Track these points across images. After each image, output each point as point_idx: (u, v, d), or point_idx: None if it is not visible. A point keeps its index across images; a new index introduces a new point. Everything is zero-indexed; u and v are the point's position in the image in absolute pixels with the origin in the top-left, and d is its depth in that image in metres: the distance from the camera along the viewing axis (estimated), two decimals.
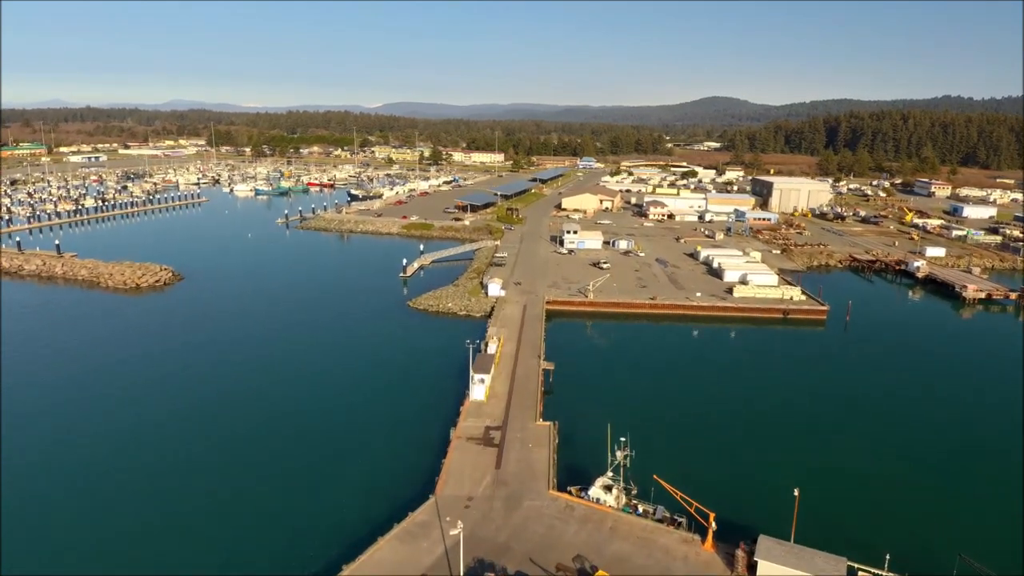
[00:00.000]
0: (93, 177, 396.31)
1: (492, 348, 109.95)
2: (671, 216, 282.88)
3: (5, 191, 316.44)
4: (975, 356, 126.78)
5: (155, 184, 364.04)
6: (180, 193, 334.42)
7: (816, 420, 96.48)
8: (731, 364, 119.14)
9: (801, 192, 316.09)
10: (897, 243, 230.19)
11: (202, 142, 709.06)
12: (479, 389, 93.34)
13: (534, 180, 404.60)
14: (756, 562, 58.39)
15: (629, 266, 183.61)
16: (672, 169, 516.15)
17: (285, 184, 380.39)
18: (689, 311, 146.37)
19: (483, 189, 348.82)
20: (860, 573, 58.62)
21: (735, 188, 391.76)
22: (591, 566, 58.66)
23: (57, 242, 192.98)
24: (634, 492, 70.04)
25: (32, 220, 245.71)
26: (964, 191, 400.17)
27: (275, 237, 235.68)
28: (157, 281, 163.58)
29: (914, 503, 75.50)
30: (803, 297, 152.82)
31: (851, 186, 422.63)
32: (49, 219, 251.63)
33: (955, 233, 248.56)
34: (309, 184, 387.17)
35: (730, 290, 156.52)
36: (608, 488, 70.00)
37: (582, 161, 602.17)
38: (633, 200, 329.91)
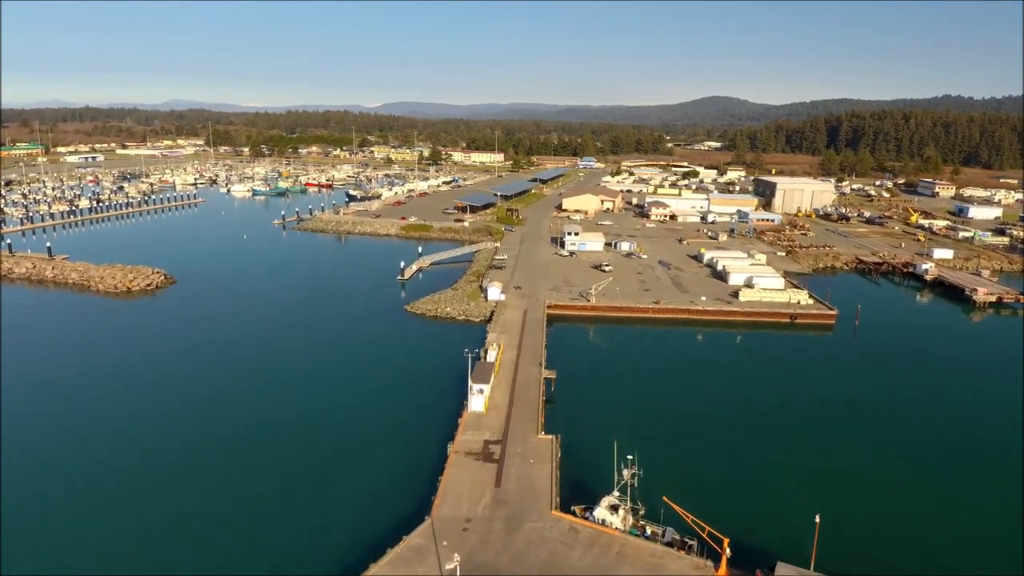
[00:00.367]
0: (89, 177, 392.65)
1: (491, 355, 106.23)
2: (673, 217, 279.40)
3: None
4: (993, 362, 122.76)
5: (151, 185, 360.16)
6: (176, 194, 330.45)
7: (837, 435, 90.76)
8: (739, 371, 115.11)
9: (804, 192, 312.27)
10: (903, 244, 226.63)
11: (200, 142, 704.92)
12: (478, 400, 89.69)
13: (534, 180, 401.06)
14: None
15: (632, 268, 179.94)
16: (673, 169, 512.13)
17: (283, 184, 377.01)
18: (694, 315, 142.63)
19: (483, 189, 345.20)
20: None
21: (737, 188, 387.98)
22: None
23: (49, 244, 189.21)
24: (641, 512, 66.31)
25: (25, 221, 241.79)
26: (968, 191, 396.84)
27: (271, 239, 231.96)
28: (149, 284, 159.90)
29: (941, 518, 71.85)
30: (811, 301, 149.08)
31: (854, 186, 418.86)
32: (43, 220, 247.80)
33: (962, 234, 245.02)
34: (307, 184, 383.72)
35: (735, 293, 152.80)
36: (614, 508, 66.24)
37: (582, 161, 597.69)
38: (634, 200, 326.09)
